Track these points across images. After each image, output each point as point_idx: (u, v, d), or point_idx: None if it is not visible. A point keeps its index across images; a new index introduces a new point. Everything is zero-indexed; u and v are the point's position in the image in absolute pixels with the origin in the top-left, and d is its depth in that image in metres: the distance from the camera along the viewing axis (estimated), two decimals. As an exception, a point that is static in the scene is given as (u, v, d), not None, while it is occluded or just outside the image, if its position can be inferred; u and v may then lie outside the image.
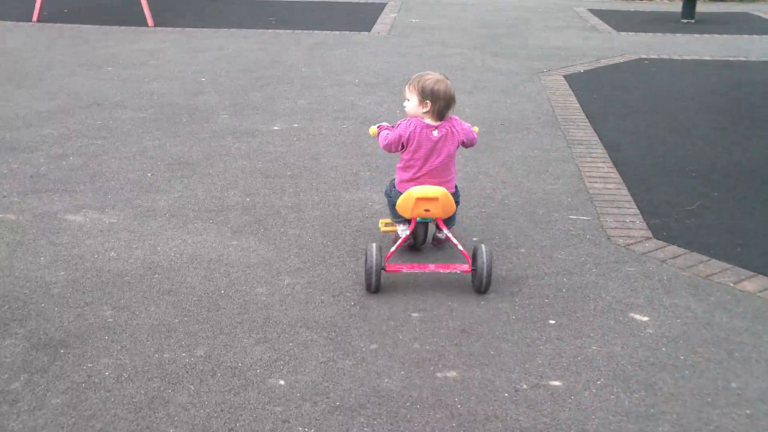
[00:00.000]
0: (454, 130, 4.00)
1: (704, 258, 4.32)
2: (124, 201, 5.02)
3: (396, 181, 4.15)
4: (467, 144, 4.13)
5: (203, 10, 13.02)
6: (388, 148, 4.07)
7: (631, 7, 14.64)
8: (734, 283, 4.03)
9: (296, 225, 4.67)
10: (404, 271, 3.94)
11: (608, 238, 4.55)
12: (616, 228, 4.69)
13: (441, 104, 3.92)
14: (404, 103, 4.07)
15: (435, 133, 3.95)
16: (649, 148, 6.26)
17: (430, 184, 3.94)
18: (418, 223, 4.14)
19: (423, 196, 3.84)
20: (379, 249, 3.84)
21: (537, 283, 3.99)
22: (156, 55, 9.42)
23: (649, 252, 4.38)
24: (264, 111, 7.10)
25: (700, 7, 13.46)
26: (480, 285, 3.84)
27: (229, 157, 5.87)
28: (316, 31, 11.14)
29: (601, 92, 7.97)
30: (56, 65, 8.80)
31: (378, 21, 12.09)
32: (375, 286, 3.82)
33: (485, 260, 3.79)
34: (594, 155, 6.04)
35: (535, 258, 4.29)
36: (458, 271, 3.93)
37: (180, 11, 12.86)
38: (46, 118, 6.76)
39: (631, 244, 4.48)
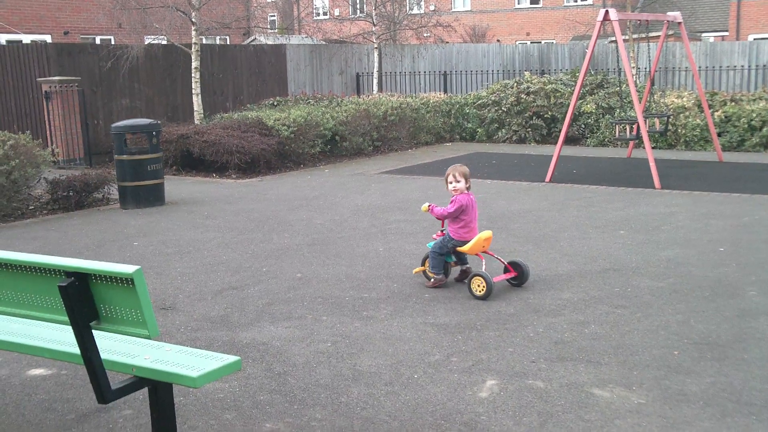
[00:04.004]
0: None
1: None
2: (652, 380, 4.74)
3: (453, 235, 6.60)
4: None
5: (710, 174, 12.62)
6: (451, 216, 6.58)
7: None
8: None
9: None
10: (497, 281, 6.53)
11: None
12: None
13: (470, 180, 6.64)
14: (455, 185, 6.53)
15: (472, 196, 6.61)
16: None
17: (476, 229, 6.64)
18: (446, 264, 6.77)
19: (487, 237, 6.61)
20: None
21: None
22: (667, 220, 9.20)
23: None
24: (797, 290, 6.43)
25: None
26: (523, 281, 6.66)
27: (764, 341, 5.32)
28: None
29: None
30: (570, 227, 9.00)
31: None
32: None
33: (526, 267, 6.67)
34: None
35: None
36: (511, 278, 6.68)
37: (686, 174, 12.62)
38: (565, 281, 6.83)
39: None
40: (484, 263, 6.67)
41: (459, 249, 6.68)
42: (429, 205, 6.77)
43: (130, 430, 4.28)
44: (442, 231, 6.87)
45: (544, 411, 4.37)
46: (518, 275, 6.68)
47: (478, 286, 6.39)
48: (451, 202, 6.61)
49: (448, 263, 6.82)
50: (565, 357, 5.14)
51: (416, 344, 5.45)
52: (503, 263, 6.75)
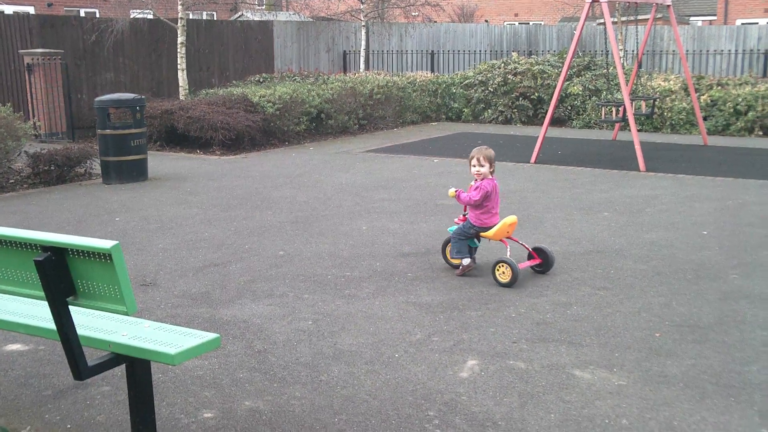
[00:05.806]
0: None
1: None
2: (633, 362, 4.74)
3: (475, 222, 6.42)
4: None
5: (695, 157, 12.64)
6: (477, 202, 6.35)
7: None
8: None
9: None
10: (522, 267, 6.30)
11: None
12: None
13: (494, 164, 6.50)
14: (478, 168, 6.37)
15: (495, 182, 6.43)
16: None
17: (497, 215, 6.48)
18: (470, 248, 6.57)
19: (512, 222, 6.42)
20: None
21: None
22: (651, 203, 9.21)
23: None
24: (779, 274, 6.45)
25: None
26: (548, 268, 6.48)
27: (745, 324, 5.33)
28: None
29: None
30: (554, 208, 8.99)
31: None
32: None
33: (551, 253, 6.50)
34: None
35: None
36: (535, 264, 6.49)
37: (672, 157, 12.63)
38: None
39: None
40: (508, 249, 6.43)
41: (483, 235, 6.48)
42: (456, 191, 6.50)
43: (107, 406, 4.24)
44: (464, 215, 6.61)
45: (525, 392, 4.36)
46: (543, 262, 6.49)
47: (503, 272, 6.18)
48: (476, 188, 6.38)
49: (471, 248, 6.59)
50: (546, 338, 5.13)
51: (398, 323, 5.43)
52: (528, 249, 6.56)
